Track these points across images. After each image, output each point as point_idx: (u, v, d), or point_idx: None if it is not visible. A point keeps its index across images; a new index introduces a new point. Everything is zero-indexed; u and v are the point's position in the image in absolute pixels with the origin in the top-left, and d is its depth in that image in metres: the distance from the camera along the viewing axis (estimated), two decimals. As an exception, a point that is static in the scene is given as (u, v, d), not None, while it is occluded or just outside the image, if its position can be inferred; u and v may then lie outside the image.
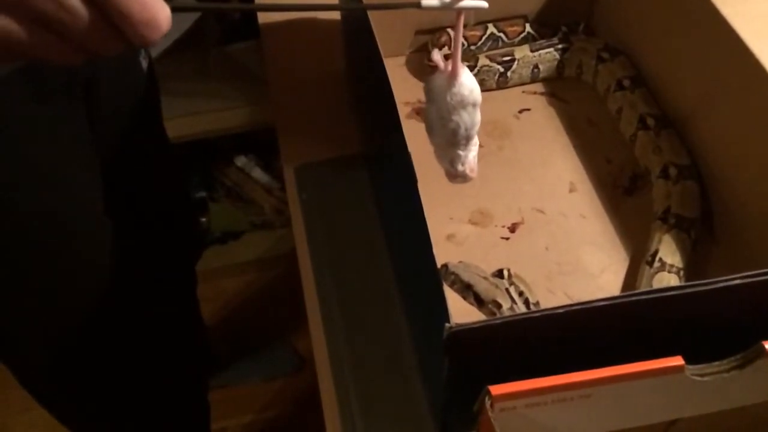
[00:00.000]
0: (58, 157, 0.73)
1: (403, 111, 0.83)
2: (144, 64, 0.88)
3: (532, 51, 0.83)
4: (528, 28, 0.88)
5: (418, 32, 0.88)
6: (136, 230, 0.85)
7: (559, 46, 0.83)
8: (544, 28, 0.88)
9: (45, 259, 0.76)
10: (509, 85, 0.84)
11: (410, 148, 0.51)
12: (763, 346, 0.42)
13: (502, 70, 0.82)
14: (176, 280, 1.13)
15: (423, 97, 0.83)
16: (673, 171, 0.70)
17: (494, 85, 0.84)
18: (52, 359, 0.85)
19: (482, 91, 0.80)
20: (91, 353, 0.86)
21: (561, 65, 0.83)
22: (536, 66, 0.83)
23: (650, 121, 0.74)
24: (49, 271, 0.77)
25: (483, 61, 0.83)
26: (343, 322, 0.67)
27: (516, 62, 0.83)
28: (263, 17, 0.97)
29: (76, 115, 0.75)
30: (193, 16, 1.37)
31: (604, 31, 0.88)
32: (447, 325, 0.40)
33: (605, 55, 0.81)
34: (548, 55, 0.83)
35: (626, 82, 0.78)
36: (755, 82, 0.60)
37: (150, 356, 0.95)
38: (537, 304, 0.63)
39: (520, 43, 0.88)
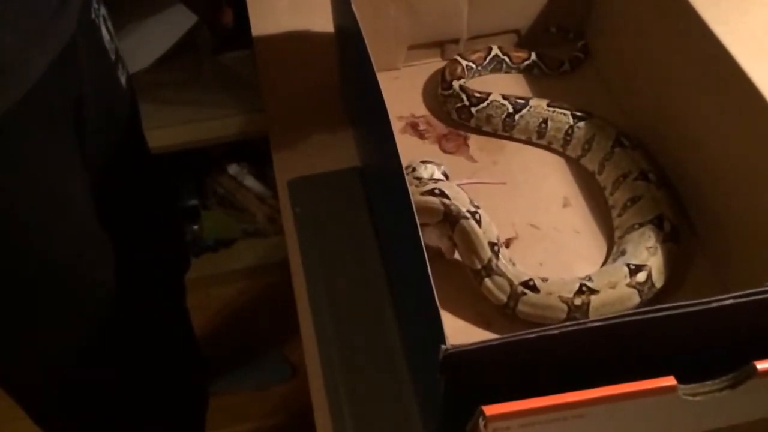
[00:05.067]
0: (58, 178, 0.74)
1: (396, 125, 0.83)
2: (123, 79, 0.89)
3: (548, 106, 0.80)
4: (533, 56, 0.88)
5: (411, 47, 0.88)
6: (126, 244, 0.85)
7: (578, 114, 0.80)
8: (549, 58, 0.88)
9: (52, 280, 0.77)
10: (514, 131, 0.82)
11: (404, 163, 0.52)
12: (755, 366, 0.42)
13: (511, 110, 0.80)
14: (164, 291, 1.13)
15: (417, 111, 0.85)
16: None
17: (500, 125, 0.82)
18: (51, 376, 0.85)
19: (486, 130, 0.83)
20: (89, 368, 0.86)
21: (570, 131, 0.79)
22: (545, 121, 0.80)
23: (667, 225, 0.70)
24: (55, 291, 0.78)
25: (495, 96, 0.81)
26: (336, 338, 0.67)
27: (528, 108, 0.80)
28: (257, 29, 0.97)
29: (68, 136, 0.75)
30: (186, 26, 1.37)
31: (597, 46, 0.89)
32: (443, 346, 0.40)
33: (625, 141, 0.77)
34: (562, 117, 0.80)
35: (652, 176, 0.74)
36: (748, 102, 0.61)
37: (143, 368, 0.94)
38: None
39: (525, 70, 0.89)
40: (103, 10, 0.82)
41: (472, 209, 0.66)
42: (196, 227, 1.71)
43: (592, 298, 0.64)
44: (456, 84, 0.83)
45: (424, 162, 0.73)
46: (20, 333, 0.79)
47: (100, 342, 0.84)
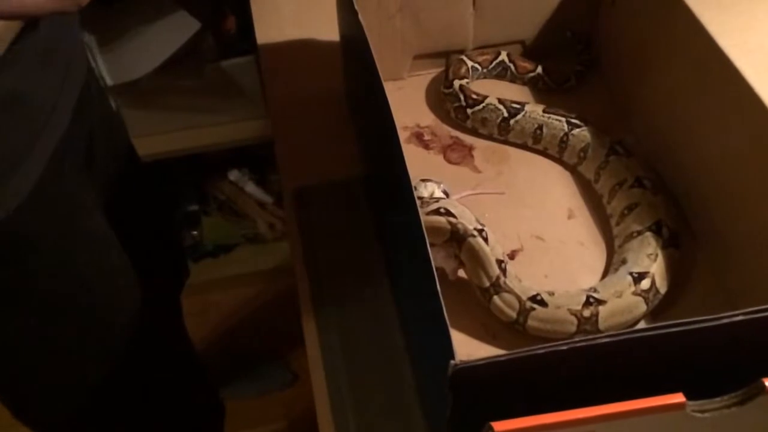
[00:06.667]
0: (83, 212, 0.77)
1: (401, 135, 0.82)
2: (113, 104, 0.91)
3: (544, 112, 0.81)
4: (539, 69, 0.88)
5: (417, 57, 0.88)
6: (131, 259, 0.86)
7: (573, 120, 0.80)
8: (554, 73, 0.88)
9: (74, 306, 0.79)
10: (510, 135, 0.82)
11: (410, 173, 0.51)
12: (764, 383, 0.42)
13: (507, 114, 0.81)
14: (163, 303, 1.13)
15: (421, 121, 0.85)
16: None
17: (495, 129, 0.82)
18: (59, 398, 0.86)
19: (481, 133, 0.84)
20: (97, 389, 0.86)
21: (566, 138, 0.79)
22: (541, 127, 0.80)
23: (665, 231, 0.70)
24: (73, 313, 0.79)
25: (492, 99, 0.82)
26: (340, 348, 0.67)
27: (523, 113, 0.81)
28: (262, 37, 0.97)
29: (84, 170, 0.78)
30: (189, 32, 1.37)
31: (602, 58, 0.89)
32: (452, 362, 0.40)
33: (620, 149, 0.77)
34: (557, 123, 0.80)
35: (647, 183, 0.74)
36: (753, 114, 0.61)
37: (147, 384, 0.94)
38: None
39: (530, 82, 0.89)
40: (84, 37, 0.84)
41: (479, 227, 0.66)
42: (195, 233, 1.71)
43: (600, 308, 0.64)
44: (456, 83, 0.84)
45: (423, 180, 0.73)
46: (32, 355, 0.80)
47: (104, 360, 0.85)
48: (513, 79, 0.90)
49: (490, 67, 0.88)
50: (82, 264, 0.77)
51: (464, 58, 0.87)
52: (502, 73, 0.89)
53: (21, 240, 0.68)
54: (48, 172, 0.67)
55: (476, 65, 0.87)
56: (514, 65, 0.88)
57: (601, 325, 0.64)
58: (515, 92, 0.88)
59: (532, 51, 0.90)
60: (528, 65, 0.88)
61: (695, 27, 0.67)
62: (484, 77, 0.89)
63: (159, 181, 1.18)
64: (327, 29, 0.90)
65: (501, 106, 0.81)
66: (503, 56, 0.88)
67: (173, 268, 1.15)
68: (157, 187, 1.13)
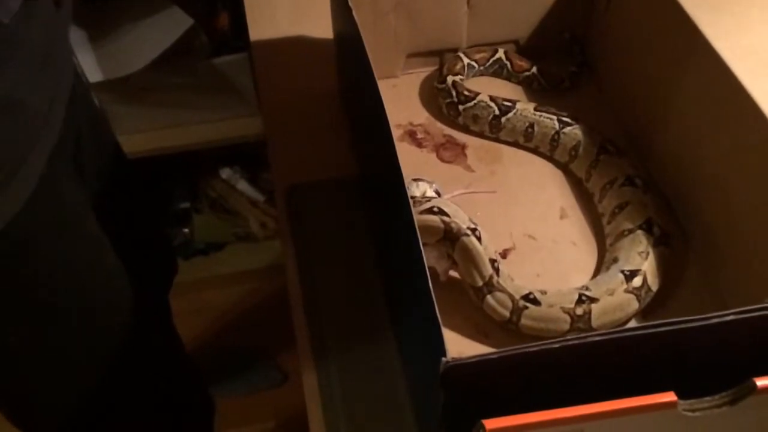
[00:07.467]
0: (77, 212, 0.77)
1: (394, 133, 0.82)
2: (96, 101, 0.91)
3: (535, 110, 0.81)
4: (534, 70, 0.88)
5: (410, 55, 0.88)
6: (121, 257, 0.86)
7: (564, 118, 0.80)
8: (549, 74, 0.88)
9: (71, 306, 0.78)
10: (501, 133, 0.82)
11: (403, 172, 0.51)
12: (755, 383, 0.42)
13: (498, 112, 0.81)
14: (152, 299, 1.13)
15: (415, 120, 0.85)
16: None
17: (486, 127, 0.82)
18: (63, 403, 0.85)
19: (473, 130, 0.84)
20: (100, 392, 0.86)
21: (557, 137, 0.79)
22: (532, 125, 0.80)
23: (656, 229, 0.70)
24: (70, 313, 0.78)
25: (483, 96, 0.82)
26: (332, 347, 0.67)
27: (514, 111, 0.81)
28: (255, 34, 0.96)
29: (74, 168, 0.78)
30: (181, 29, 1.36)
31: (596, 60, 0.89)
32: (443, 359, 0.40)
33: (610, 147, 0.77)
34: (548, 121, 0.80)
35: (638, 181, 0.74)
36: (747, 117, 0.61)
37: (139, 386, 0.94)
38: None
39: (524, 81, 0.89)
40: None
41: (472, 226, 0.66)
42: (187, 230, 1.70)
43: (593, 306, 0.65)
44: (450, 79, 0.84)
45: (415, 180, 0.73)
46: (31, 358, 0.79)
47: (102, 361, 0.84)
48: (509, 78, 0.90)
49: (487, 64, 0.88)
50: (80, 266, 0.76)
51: (461, 55, 0.87)
52: (498, 71, 0.89)
53: (20, 244, 0.67)
54: (45, 175, 0.66)
55: (473, 62, 0.87)
56: (511, 63, 0.88)
57: (594, 323, 0.65)
58: (510, 91, 0.88)
59: (525, 51, 0.90)
60: (524, 64, 0.88)
61: (690, 30, 0.67)
62: (481, 74, 0.89)
63: (148, 178, 1.17)
64: (321, 26, 0.89)
65: (492, 104, 0.81)
66: (500, 54, 0.88)
67: (162, 265, 1.15)
68: (145, 183, 1.12)
